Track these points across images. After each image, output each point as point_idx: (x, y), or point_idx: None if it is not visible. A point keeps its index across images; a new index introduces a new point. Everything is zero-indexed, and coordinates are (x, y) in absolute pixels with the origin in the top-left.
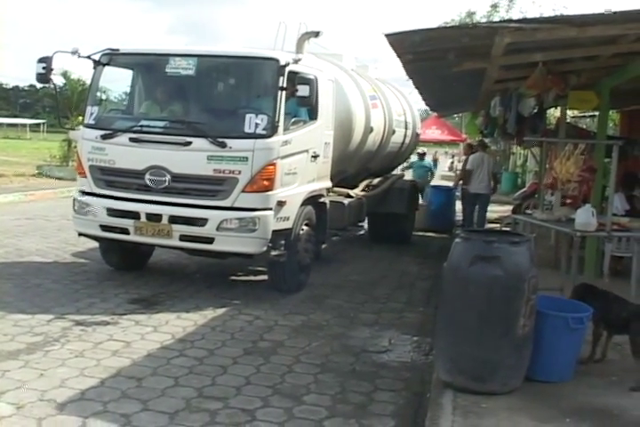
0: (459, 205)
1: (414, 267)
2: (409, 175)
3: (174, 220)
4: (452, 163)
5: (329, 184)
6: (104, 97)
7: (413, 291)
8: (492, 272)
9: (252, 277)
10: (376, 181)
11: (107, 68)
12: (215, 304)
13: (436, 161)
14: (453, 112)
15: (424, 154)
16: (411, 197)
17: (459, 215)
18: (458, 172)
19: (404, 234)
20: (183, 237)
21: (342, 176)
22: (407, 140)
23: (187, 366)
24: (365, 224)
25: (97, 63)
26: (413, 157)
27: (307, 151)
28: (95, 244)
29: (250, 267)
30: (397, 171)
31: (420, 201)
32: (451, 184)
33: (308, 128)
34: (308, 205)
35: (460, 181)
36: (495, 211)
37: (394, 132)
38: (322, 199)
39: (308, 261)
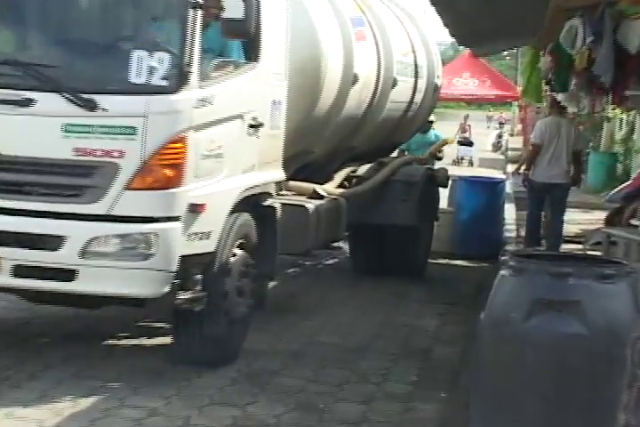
0: (510, 213)
1: (430, 320)
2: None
3: (1, 239)
4: (500, 137)
5: (281, 175)
6: None
7: (428, 363)
8: (567, 329)
9: (144, 341)
10: (364, 169)
11: None
12: (78, 390)
13: (463, 131)
14: (499, 48)
15: (431, 123)
16: (424, 198)
17: (509, 227)
18: (509, 152)
19: (412, 262)
20: (19, 271)
21: (305, 161)
22: (419, 98)
23: None
24: (346, 245)
25: None
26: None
27: (240, 117)
28: None
29: (141, 322)
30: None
31: (443, 205)
32: (496, 173)
33: (244, 77)
34: (243, 211)
35: (523, 167)
36: (575, 220)
37: (395, 83)
38: (268, 202)
39: (245, 311)
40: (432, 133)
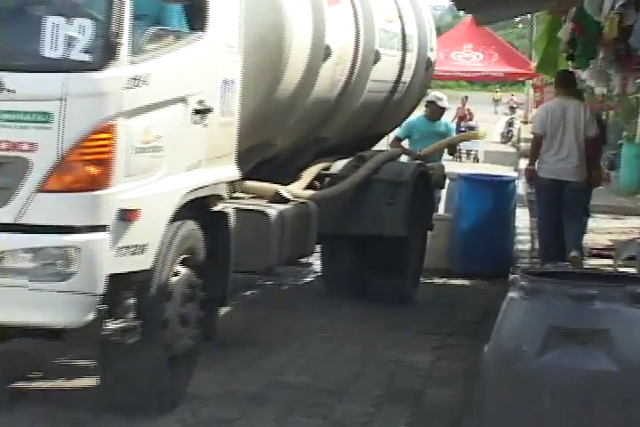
0: (523, 219)
1: (422, 355)
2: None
3: None
4: (510, 125)
5: (235, 174)
6: None
7: (420, 409)
8: (593, 365)
9: (62, 384)
10: (339, 165)
11: None
12: None
13: (463, 119)
14: (509, 14)
15: (443, 110)
16: (415, 202)
17: (521, 238)
18: (522, 144)
19: (400, 282)
20: None
21: (265, 156)
22: (407, 76)
23: None
24: (318, 261)
25: None
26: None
27: (183, 101)
28: None
29: (59, 359)
30: (386, 145)
31: (439, 211)
32: (505, 171)
33: (187, 50)
34: (187, 219)
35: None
36: (603, 229)
37: (377, 57)
38: (219, 207)
39: (190, 344)
40: (443, 123)
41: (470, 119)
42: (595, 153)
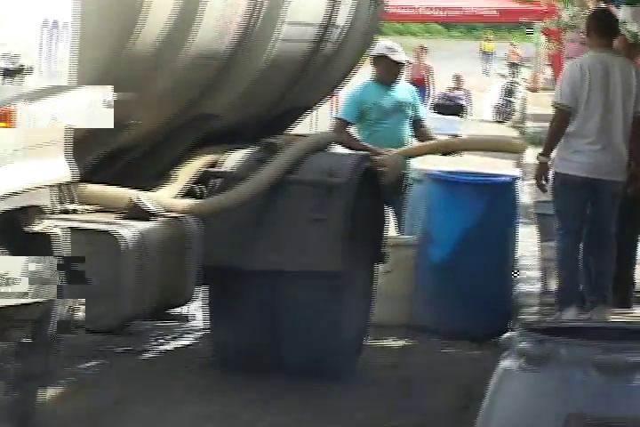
0: (528, 243)
1: None
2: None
3: None
4: (510, 92)
5: (66, 172)
6: None
7: None
8: None
9: None
10: (234, 159)
11: None
12: None
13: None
14: None
15: (400, 66)
16: (358, 217)
17: (528, 273)
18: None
19: (334, 347)
20: None
21: (116, 144)
22: (343, 16)
23: None
24: (201, 313)
25: None
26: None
27: None
28: None
29: None
30: (313, 126)
31: (393, 230)
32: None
33: None
34: None
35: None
36: None
37: None
38: (39, 225)
39: None
40: (404, 87)
41: (457, 88)
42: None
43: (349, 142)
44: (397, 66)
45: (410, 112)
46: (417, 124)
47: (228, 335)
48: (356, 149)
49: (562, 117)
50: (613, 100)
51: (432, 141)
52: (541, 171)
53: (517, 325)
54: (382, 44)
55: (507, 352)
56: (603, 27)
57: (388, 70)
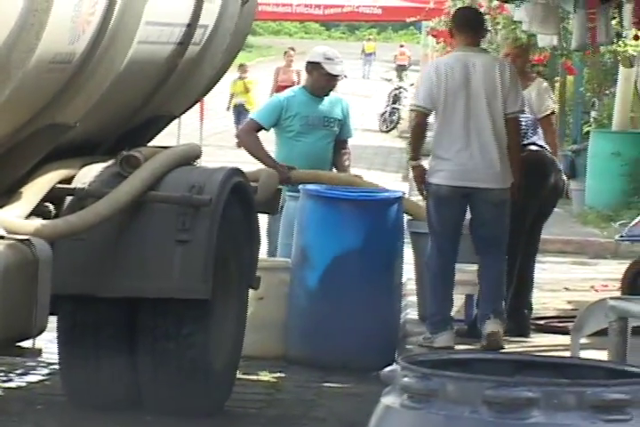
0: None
1: None
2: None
3: None
4: (396, 99)
5: None
6: None
7: None
8: None
9: None
10: (89, 174)
11: None
12: None
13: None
14: None
15: (333, 79)
16: (226, 239)
17: (412, 297)
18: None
19: (197, 382)
20: None
21: None
22: (210, 16)
23: None
24: (52, 346)
25: None
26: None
27: None
28: None
29: None
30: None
31: (266, 251)
32: (386, 182)
33: None
34: None
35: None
36: (557, 282)
37: None
38: None
39: None
40: (335, 101)
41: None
42: (514, 140)
43: (251, 147)
44: (332, 78)
45: (337, 129)
46: (338, 145)
47: (81, 371)
48: (255, 157)
49: (418, 120)
50: (476, 102)
51: (335, 174)
52: (417, 174)
53: (400, 357)
54: (320, 51)
55: (389, 388)
56: (465, 24)
57: (320, 81)
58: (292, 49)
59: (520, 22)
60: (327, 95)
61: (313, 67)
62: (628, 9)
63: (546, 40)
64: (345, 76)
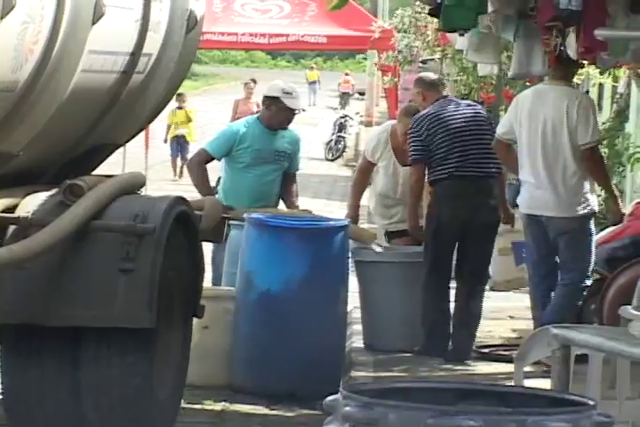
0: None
1: None
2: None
3: None
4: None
5: None
6: None
7: None
8: None
9: None
10: (33, 202)
11: None
12: None
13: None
14: None
15: (282, 105)
16: (170, 268)
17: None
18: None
19: (140, 411)
20: None
21: None
22: (154, 44)
23: None
24: None
25: None
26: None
27: None
28: None
29: None
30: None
31: (210, 280)
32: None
33: None
34: None
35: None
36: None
37: (99, 11)
38: None
39: None
40: (288, 135)
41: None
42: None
43: (197, 180)
44: (290, 112)
45: (287, 163)
46: (287, 177)
47: (25, 400)
48: (198, 190)
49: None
50: (544, 133)
51: (283, 212)
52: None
53: (342, 386)
54: (278, 86)
55: (331, 417)
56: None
57: (279, 115)
58: (254, 81)
59: (463, 51)
60: (284, 129)
61: (272, 101)
62: (572, 38)
63: (486, 69)
64: (303, 110)
